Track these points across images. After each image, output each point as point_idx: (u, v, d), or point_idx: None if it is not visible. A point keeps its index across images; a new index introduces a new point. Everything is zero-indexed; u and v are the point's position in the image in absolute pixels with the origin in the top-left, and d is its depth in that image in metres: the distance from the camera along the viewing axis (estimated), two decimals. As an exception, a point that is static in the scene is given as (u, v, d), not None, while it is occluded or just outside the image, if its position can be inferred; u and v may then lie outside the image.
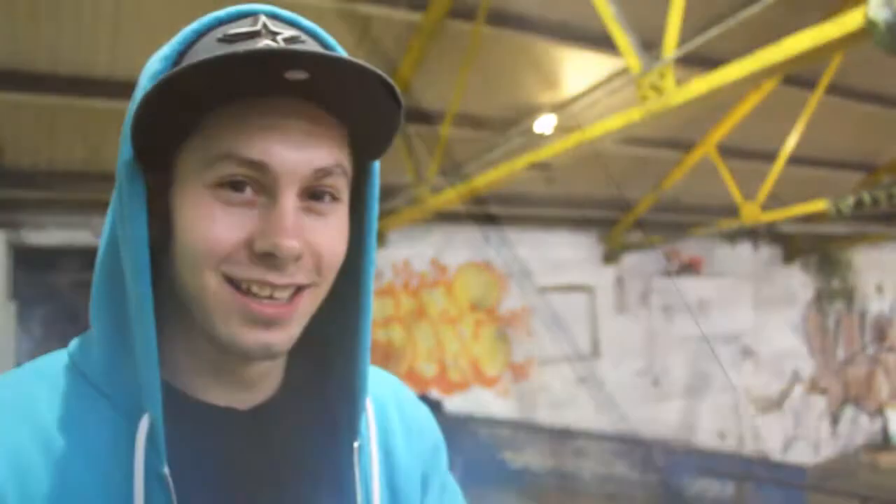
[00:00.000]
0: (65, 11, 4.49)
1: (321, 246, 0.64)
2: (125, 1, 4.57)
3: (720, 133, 7.35)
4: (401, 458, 0.82)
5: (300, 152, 0.61)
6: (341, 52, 0.63)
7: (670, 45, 3.74)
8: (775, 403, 10.69)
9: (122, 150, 0.63)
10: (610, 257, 9.07)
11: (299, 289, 0.64)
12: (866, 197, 5.91)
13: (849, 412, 11.68)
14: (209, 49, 0.61)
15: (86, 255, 6.68)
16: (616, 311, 9.14)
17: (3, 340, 5.82)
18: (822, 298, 11.50)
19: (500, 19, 5.32)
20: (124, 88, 5.06)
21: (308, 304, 0.65)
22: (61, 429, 0.62)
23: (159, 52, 0.64)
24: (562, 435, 7.52)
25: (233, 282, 0.61)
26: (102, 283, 0.68)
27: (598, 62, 5.98)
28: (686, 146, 7.82)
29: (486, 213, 7.91)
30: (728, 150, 7.62)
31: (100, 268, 0.69)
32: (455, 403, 7.62)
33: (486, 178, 5.31)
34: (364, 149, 0.69)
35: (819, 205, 6.45)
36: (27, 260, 6.05)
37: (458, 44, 5.26)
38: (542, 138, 6.16)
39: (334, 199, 0.65)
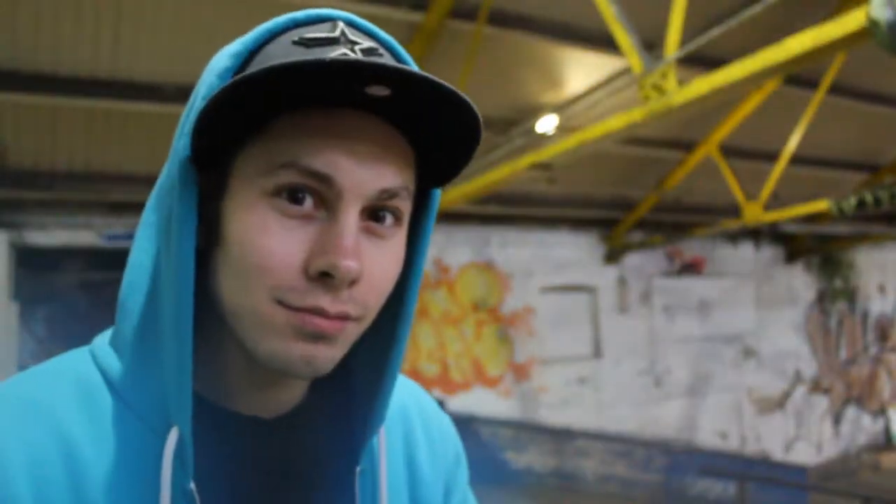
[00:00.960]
0: (66, 12, 4.49)
1: (376, 274, 0.60)
2: (126, 2, 4.56)
3: (722, 133, 7.34)
4: (424, 471, 0.80)
5: (368, 169, 0.58)
6: (416, 69, 0.59)
7: (672, 45, 3.73)
8: (777, 403, 10.67)
9: (178, 146, 0.60)
10: (612, 257, 9.05)
11: (346, 318, 0.60)
12: (868, 197, 5.90)
13: (851, 412, 11.66)
14: (284, 51, 0.59)
15: (88, 256, 6.72)
16: (618, 311, 9.12)
17: (6, 341, 5.82)
18: (824, 298, 11.49)
19: (502, 19, 5.33)
20: (126, 89, 5.09)
21: (352, 333, 0.62)
22: (83, 437, 0.59)
23: (228, 48, 0.62)
24: (563, 435, 7.53)
25: (284, 304, 0.58)
26: (134, 285, 0.65)
27: (599, 62, 5.99)
28: (688, 146, 7.82)
29: (488, 213, 7.92)
30: (730, 150, 7.62)
31: (133, 268, 0.66)
32: (457, 403, 7.61)
33: (487, 179, 5.30)
34: (428, 174, 0.66)
35: (821, 205, 6.42)
36: (29, 260, 6.06)
37: (460, 44, 5.26)
38: (543, 138, 6.16)
39: (396, 222, 0.62)
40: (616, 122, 4.08)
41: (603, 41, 5.34)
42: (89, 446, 0.58)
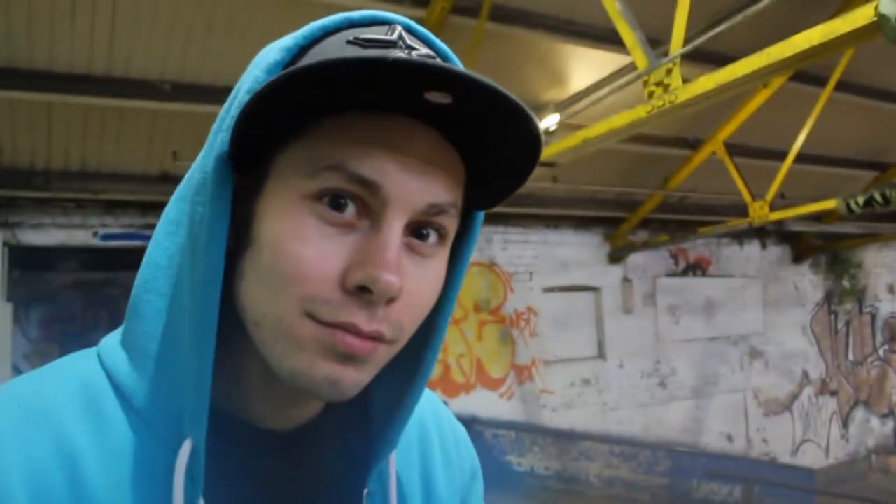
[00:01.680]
0: (62, 8, 4.47)
1: (415, 295, 0.57)
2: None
3: (728, 131, 7.31)
4: (440, 487, 0.77)
5: (418, 180, 0.55)
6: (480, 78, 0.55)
7: (677, 41, 3.71)
8: (784, 405, 10.61)
9: (216, 141, 0.57)
10: (616, 257, 9.01)
11: (380, 339, 0.56)
12: (877, 195, 5.90)
13: (859, 414, 11.60)
14: (338, 50, 0.56)
15: (83, 255, 6.71)
16: (622, 312, 9.06)
17: (-1, 341, 5.80)
18: (831, 299, 11.42)
19: (504, 15, 5.30)
20: (122, 86, 5.08)
21: (383, 358, 0.58)
22: (87, 447, 0.55)
23: (279, 42, 0.59)
24: (567, 437, 7.51)
25: (314, 318, 0.54)
26: (150, 284, 0.62)
27: (603, 59, 5.97)
28: (693, 144, 7.79)
29: (490, 211, 7.87)
30: (736, 148, 7.59)
31: (148, 267, 0.63)
32: (458, 405, 7.57)
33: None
34: (476, 194, 0.62)
35: (829, 203, 6.45)
36: (23, 260, 6.05)
37: (462, 40, 5.21)
38: (546, 136, 6.10)
39: (440, 241, 0.59)
40: (620, 120, 4.07)
41: (607, 37, 5.36)
42: (93, 457, 0.55)
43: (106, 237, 6.14)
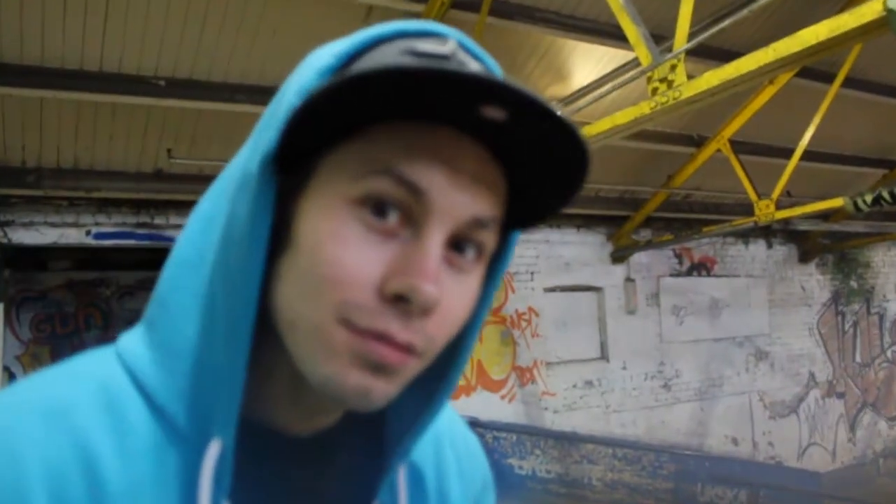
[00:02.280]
0: (53, 3, 4.44)
1: (449, 309, 0.57)
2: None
3: (733, 128, 7.29)
4: (455, 499, 0.78)
5: (464, 193, 0.55)
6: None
7: (681, 36, 3.72)
8: (790, 408, 10.55)
9: (262, 140, 0.57)
10: (619, 256, 8.96)
11: (411, 351, 0.56)
12: (885, 193, 5.91)
13: (867, 417, 11.54)
14: (392, 59, 0.56)
15: (76, 254, 6.69)
16: (625, 313, 9.01)
17: (-9, 341, 5.79)
18: (839, 299, 11.35)
19: (505, 10, 5.27)
20: (115, 82, 5.09)
21: (412, 371, 0.58)
22: (107, 449, 0.54)
23: (331, 46, 0.59)
24: (569, 440, 7.47)
25: (349, 324, 0.53)
26: (177, 281, 0.62)
27: (606, 54, 5.95)
28: (698, 141, 7.76)
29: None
30: (741, 146, 7.57)
31: (176, 264, 0.63)
32: (459, 407, 7.42)
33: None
34: (514, 212, 0.61)
35: (836, 202, 6.50)
36: (15, 259, 6.05)
37: (461, 36, 5.18)
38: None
39: (478, 257, 0.59)
40: (623, 117, 4.08)
41: (610, 33, 5.37)
42: (112, 456, 0.55)
43: (99, 236, 6.12)
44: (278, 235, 0.58)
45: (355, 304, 0.53)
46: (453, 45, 0.58)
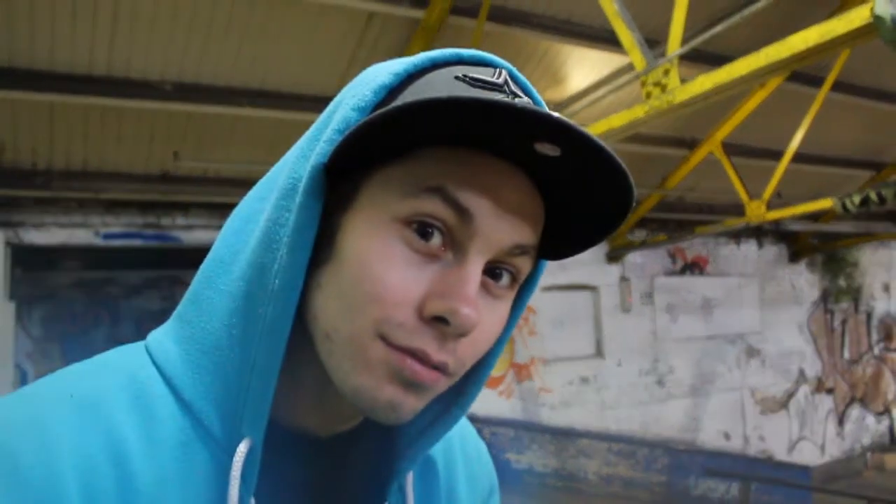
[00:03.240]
0: (62, 8, 4.46)
1: (482, 333, 0.58)
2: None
3: (725, 131, 7.30)
4: (463, 503, 0.79)
5: (507, 221, 0.56)
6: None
7: (675, 41, 3.70)
8: (781, 403, 10.60)
9: (312, 150, 0.58)
10: (614, 256, 9.00)
11: (444, 371, 0.57)
12: (873, 195, 5.86)
13: (855, 412, 11.59)
14: (447, 84, 0.57)
15: (85, 254, 6.72)
16: (620, 311, 9.06)
17: (1, 341, 5.81)
18: (828, 298, 11.41)
19: (503, 16, 5.29)
20: (123, 86, 5.07)
21: (440, 389, 0.59)
22: (135, 441, 0.55)
23: (388, 65, 0.60)
24: (565, 435, 7.49)
25: (386, 340, 0.55)
26: (213, 280, 0.62)
27: (601, 59, 5.95)
28: (691, 144, 7.78)
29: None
30: (733, 148, 7.57)
31: (213, 263, 0.63)
32: (457, 403, 7.52)
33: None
34: (547, 241, 0.62)
35: (825, 203, 6.40)
36: (26, 259, 6.04)
37: (461, 41, 5.21)
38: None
39: (511, 284, 0.60)
40: (618, 120, 4.05)
41: (605, 38, 5.34)
42: (141, 451, 0.55)
43: (107, 236, 6.14)
44: (319, 245, 0.57)
45: (395, 322, 0.54)
46: (505, 75, 0.60)
